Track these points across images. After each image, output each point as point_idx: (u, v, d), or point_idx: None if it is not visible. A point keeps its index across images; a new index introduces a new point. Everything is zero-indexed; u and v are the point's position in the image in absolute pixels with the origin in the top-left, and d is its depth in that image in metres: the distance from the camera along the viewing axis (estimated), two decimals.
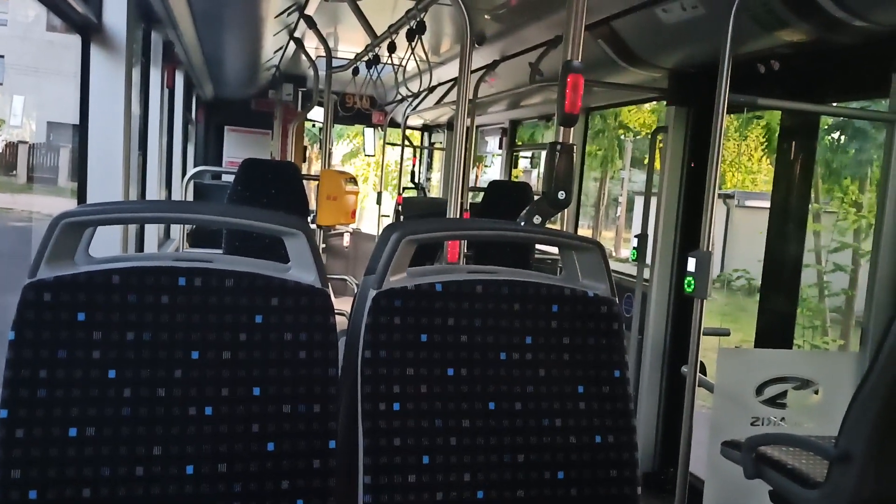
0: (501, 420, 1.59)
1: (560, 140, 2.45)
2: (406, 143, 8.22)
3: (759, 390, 2.94)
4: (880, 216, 2.90)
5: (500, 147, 7.52)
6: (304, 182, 5.53)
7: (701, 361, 2.82)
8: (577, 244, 1.76)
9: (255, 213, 1.62)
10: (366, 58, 5.64)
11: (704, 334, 2.76)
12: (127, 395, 1.41)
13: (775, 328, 3.63)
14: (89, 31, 2.81)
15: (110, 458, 1.39)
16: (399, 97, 6.34)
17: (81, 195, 2.86)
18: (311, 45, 6.23)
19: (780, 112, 3.98)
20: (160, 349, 1.43)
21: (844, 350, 8.37)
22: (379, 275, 1.58)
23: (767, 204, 3.74)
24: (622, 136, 16.55)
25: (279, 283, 1.50)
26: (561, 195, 2.45)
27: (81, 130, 2.83)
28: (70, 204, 4.39)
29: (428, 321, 1.58)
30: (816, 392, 3.03)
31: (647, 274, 4.29)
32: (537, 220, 2.49)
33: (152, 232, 4.88)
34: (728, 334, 3.36)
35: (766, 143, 11.57)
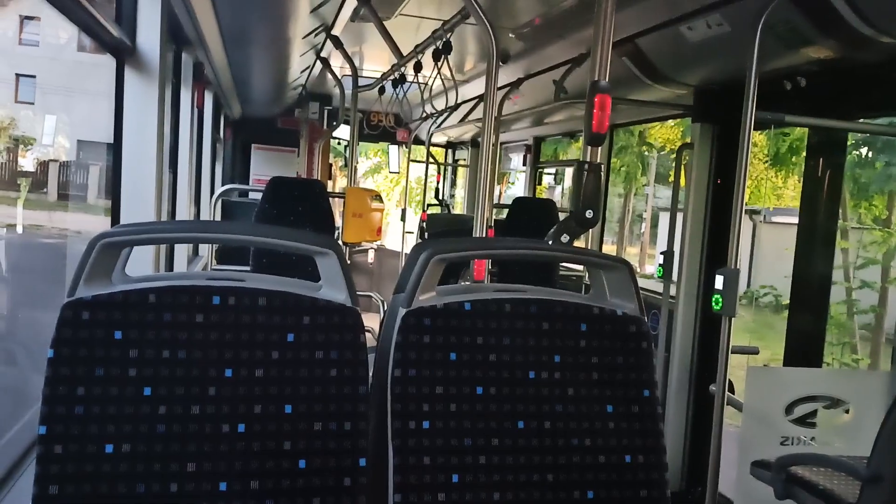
0: (530, 439, 1.60)
1: (587, 159, 2.46)
2: (430, 160, 8.26)
3: (789, 409, 2.91)
4: None
5: (524, 164, 7.54)
6: (330, 199, 5.57)
7: (729, 380, 2.80)
8: (605, 263, 1.77)
9: (287, 233, 1.64)
10: (392, 77, 5.69)
11: (733, 352, 2.74)
12: (162, 412, 1.43)
13: (804, 346, 3.60)
14: (123, 53, 2.87)
15: (145, 474, 1.41)
16: (424, 115, 6.39)
17: (115, 214, 2.90)
18: (337, 64, 6.31)
19: (805, 129, 3.97)
20: (194, 367, 1.45)
21: (874, 368, 8.24)
22: (408, 293, 1.59)
23: (794, 220, 3.71)
24: (646, 153, 16.50)
25: (310, 302, 1.52)
26: (589, 214, 2.46)
27: (116, 150, 2.89)
28: (99, 221, 4.46)
29: (457, 340, 1.59)
30: (847, 411, 2.99)
31: (673, 291, 4.27)
32: (565, 238, 2.50)
33: (181, 250, 4.94)
34: (757, 352, 3.33)
35: (770, 160, 11.52)
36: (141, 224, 1.65)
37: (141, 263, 2.72)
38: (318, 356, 1.51)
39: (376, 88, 6.39)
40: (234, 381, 1.47)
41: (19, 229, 5.12)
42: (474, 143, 8.58)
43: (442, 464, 1.54)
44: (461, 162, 9.80)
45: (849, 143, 3.92)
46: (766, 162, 11.85)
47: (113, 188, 2.90)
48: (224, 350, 1.47)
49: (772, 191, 13.55)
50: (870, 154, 9.12)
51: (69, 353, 1.41)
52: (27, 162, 7.75)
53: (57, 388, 1.40)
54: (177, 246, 4.69)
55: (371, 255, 9.69)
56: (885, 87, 3.08)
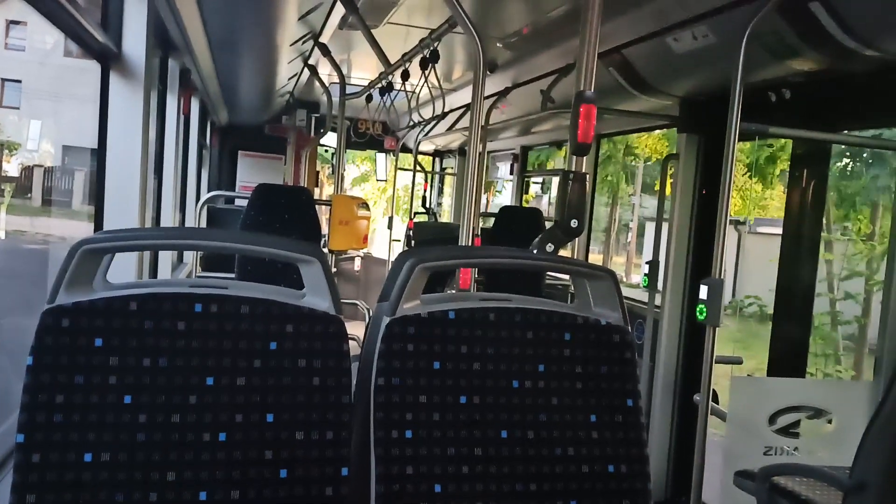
0: (514, 448, 1.59)
1: (573, 168, 2.47)
2: (417, 168, 8.27)
3: (773, 419, 2.92)
4: (893, 244, 2.89)
5: (511, 173, 7.55)
6: (317, 206, 5.56)
7: (713, 389, 2.81)
8: (589, 272, 1.77)
9: (271, 241, 1.63)
10: (379, 85, 5.70)
11: (717, 362, 2.75)
12: (142, 420, 1.42)
13: (788, 356, 3.62)
14: (109, 59, 2.86)
15: (125, 483, 1.39)
16: (411, 123, 6.40)
17: (98, 220, 2.88)
18: (325, 71, 6.31)
19: (789, 139, 4.00)
20: (176, 375, 1.44)
21: (857, 379, 8.29)
22: (392, 302, 1.59)
23: (779, 230, 3.74)
24: (632, 163, 16.58)
25: (294, 310, 1.51)
26: (574, 223, 2.46)
27: (100, 156, 2.87)
28: (82, 227, 4.43)
29: (441, 348, 1.59)
30: (830, 421, 3.01)
31: (658, 300, 4.28)
32: (550, 247, 2.50)
33: (166, 256, 4.91)
34: (741, 362, 3.35)
35: (747, 171, 11.65)
36: (123, 231, 1.63)
37: (124, 270, 2.70)
38: (301, 364, 1.50)
39: (364, 96, 6.39)
40: (215, 389, 1.45)
41: (1, 234, 5.08)
42: (461, 152, 8.59)
43: (425, 473, 1.53)
44: (448, 170, 9.81)
45: (832, 154, 3.95)
46: (746, 173, 11.97)
47: (97, 194, 2.88)
48: (206, 358, 1.46)
49: (755, 201, 13.65)
50: (854, 165, 9.21)
51: (49, 360, 1.39)
52: (11, 167, 7.70)
53: (36, 396, 1.38)
54: (161, 253, 4.67)
55: (357, 263, 9.68)
56: (869, 99, 3.11)
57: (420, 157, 8.33)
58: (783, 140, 7.03)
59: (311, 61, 5.91)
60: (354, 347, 1.64)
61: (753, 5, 2.59)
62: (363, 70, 6.56)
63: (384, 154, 9.69)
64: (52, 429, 1.38)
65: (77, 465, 1.38)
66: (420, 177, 8.66)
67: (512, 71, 5.03)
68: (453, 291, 3.39)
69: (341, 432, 1.50)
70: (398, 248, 8.04)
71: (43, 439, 1.37)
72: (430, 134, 7.38)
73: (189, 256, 5.92)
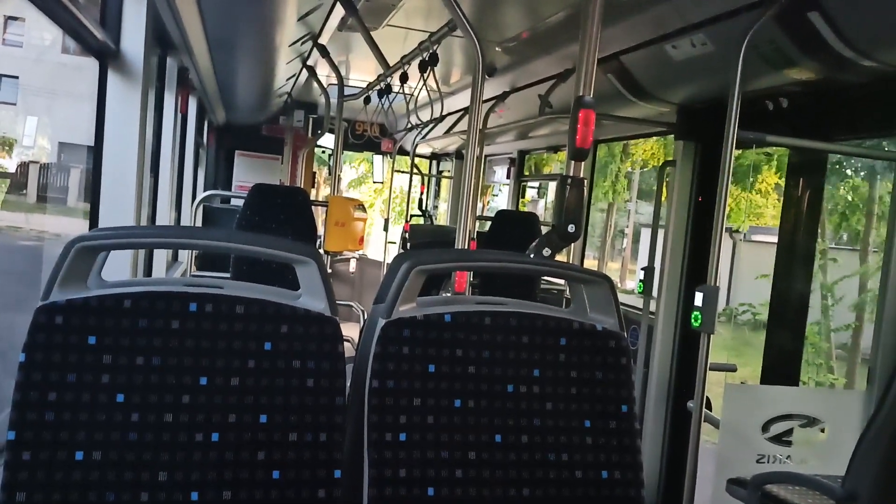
0: (508, 453, 1.59)
1: (570, 174, 2.47)
2: (414, 170, 8.26)
3: (766, 427, 2.92)
4: (888, 255, 2.90)
5: (508, 177, 7.56)
6: (313, 207, 5.56)
7: (707, 397, 2.81)
8: (586, 277, 1.77)
9: (267, 241, 1.63)
10: (377, 87, 5.70)
11: (711, 370, 2.75)
12: (134, 419, 1.41)
13: (781, 364, 3.62)
14: (107, 56, 2.85)
15: (115, 483, 1.38)
16: (409, 126, 6.40)
17: (94, 218, 2.87)
18: (324, 73, 6.30)
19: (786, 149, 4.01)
20: (169, 374, 1.43)
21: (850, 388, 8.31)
22: (388, 304, 1.59)
23: (773, 238, 3.74)
24: (629, 169, 16.61)
25: (289, 311, 1.51)
26: (571, 228, 2.46)
27: (96, 154, 2.86)
28: (78, 224, 4.41)
29: (436, 352, 1.58)
30: (823, 430, 3.01)
31: (653, 306, 4.28)
32: (546, 252, 2.50)
33: (161, 255, 4.90)
34: (735, 370, 3.35)
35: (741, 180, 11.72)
36: (117, 228, 1.63)
37: (119, 268, 2.69)
38: (296, 365, 1.50)
39: (362, 98, 6.39)
40: (209, 389, 1.45)
41: None
42: (459, 155, 8.60)
43: (418, 477, 1.53)
44: (445, 173, 9.81)
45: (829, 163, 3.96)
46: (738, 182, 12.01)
47: (92, 191, 2.87)
48: (200, 358, 1.45)
49: (748, 210, 13.69)
50: (852, 175, 9.24)
51: (42, 357, 1.39)
52: (7, 163, 7.69)
53: (28, 394, 1.37)
54: (156, 251, 4.65)
55: (353, 265, 9.67)
56: (865, 109, 3.11)
57: (417, 160, 8.34)
58: (773, 148, 7.05)
59: (309, 62, 5.91)
60: (349, 349, 1.64)
61: (752, 14, 2.59)
62: (362, 72, 6.56)
63: (381, 156, 9.68)
64: (43, 427, 1.37)
65: (68, 464, 1.37)
66: (417, 179, 8.67)
67: (510, 75, 5.04)
68: (449, 294, 3.39)
69: (334, 434, 1.50)
70: (394, 250, 8.03)
71: (34, 437, 1.36)
72: (427, 137, 7.38)
73: (184, 255, 5.90)
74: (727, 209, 2.72)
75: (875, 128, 3.27)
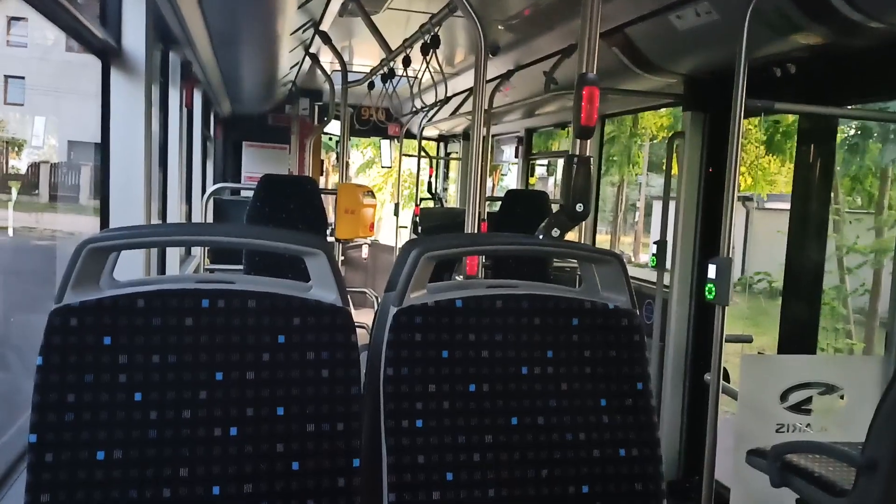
0: (524, 435, 1.60)
1: (577, 152, 2.45)
2: (422, 153, 8.25)
3: (784, 396, 2.92)
4: None
5: (516, 156, 7.53)
6: (322, 195, 5.56)
7: (724, 368, 2.81)
8: (596, 256, 1.76)
9: (275, 234, 1.63)
10: (381, 72, 5.68)
11: (727, 341, 2.74)
12: (153, 417, 1.42)
13: (798, 333, 3.61)
14: (109, 54, 2.85)
15: (137, 480, 1.40)
16: (414, 109, 6.37)
17: (104, 216, 2.89)
18: (327, 59, 6.28)
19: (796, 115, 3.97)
20: (185, 371, 1.44)
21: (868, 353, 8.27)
22: (399, 291, 1.59)
23: (787, 206, 3.71)
24: (638, 141, 16.51)
25: (300, 303, 1.51)
26: (579, 207, 2.44)
27: (103, 152, 2.87)
28: (90, 222, 4.44)
29: (449, 337, 1.59)
30: (842, 397, 3.00)
31: (667, 280, 4.27)
32: (556, 232, 2.49)
33: (174, 250, 4.92)
34: (751, 341, 3.34)
35: (765, 146, 11.60)
36: (128, 228, 1.63)
37: (132, 264, 2.71)
38: (310, 357, 1.50)
39: (366, 83, 6.37)
40: (225, 384, 1.46)
41: (10, 232, 5.10)
42: (466, 136, 8.57)
43: (436, 462, 1.54)
44: (453, 155, 9.79)
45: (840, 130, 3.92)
46: (761, 147, 11.89)
47: (102, 190, 2.88)
48: (214, 353, 1.46)
49: (764, 177, 13.58)
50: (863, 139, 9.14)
51: (58, 360, 1.40)
52: (18, 164, 7.73)
53: (47, 396, 1.39)
54: (170, 248, 4.67)
55: (365, 251, 9.68)
56: (874, 72, 3.07)
57: (424, 143, 8.31)
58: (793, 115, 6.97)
59: (312, 50, 5.89)
60: (364, 336, 1.64)
61: None
62: (364, 57, 6.53)
63: (388, 140, 9.66)
64: (63, 428, 1.38)
65: (90, 464, 1.38)
66: (425, 162, 8.65)
67: (514, 53, 5.00)
68: (460, 278, 3.39)
69: (351, 423, 1.51)
70: (405, 234, 8.04)
71: (55, 439, 1.38)
72: (433, 119, 7.36)
73: (197, 250, 5.93)
74: (740, 178, 2.70)
75: (885, 91, 3.23)
